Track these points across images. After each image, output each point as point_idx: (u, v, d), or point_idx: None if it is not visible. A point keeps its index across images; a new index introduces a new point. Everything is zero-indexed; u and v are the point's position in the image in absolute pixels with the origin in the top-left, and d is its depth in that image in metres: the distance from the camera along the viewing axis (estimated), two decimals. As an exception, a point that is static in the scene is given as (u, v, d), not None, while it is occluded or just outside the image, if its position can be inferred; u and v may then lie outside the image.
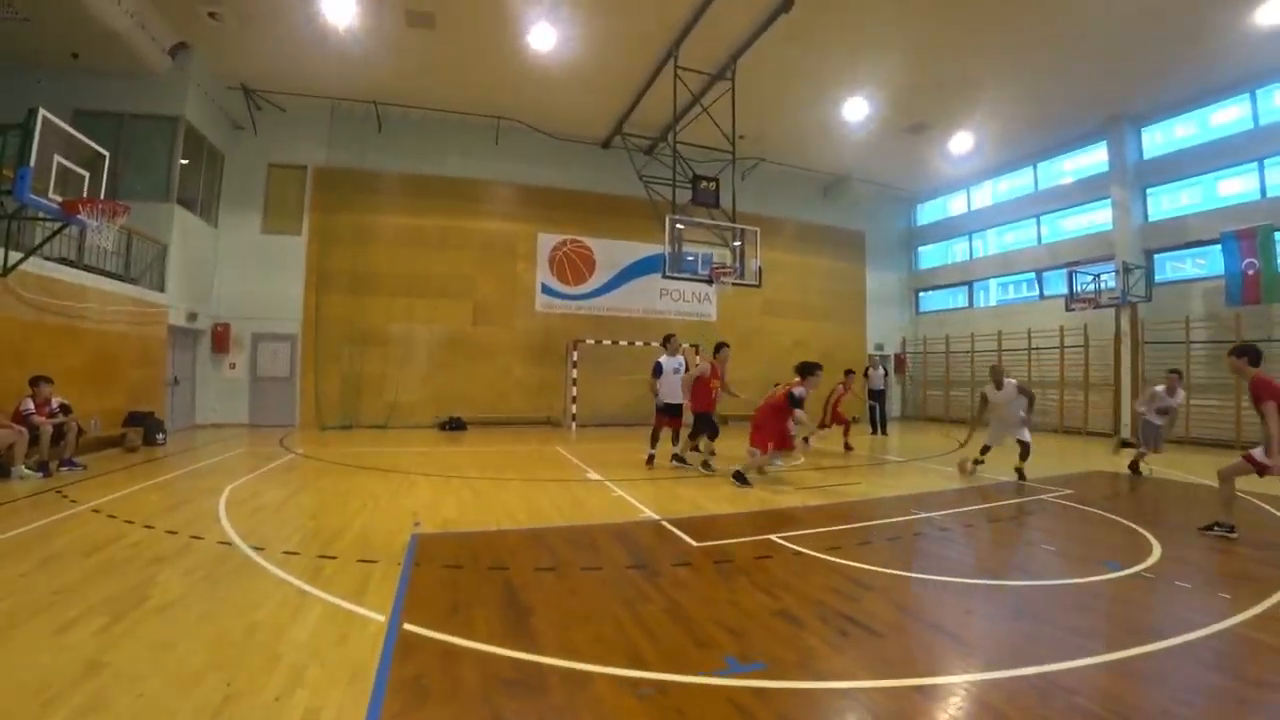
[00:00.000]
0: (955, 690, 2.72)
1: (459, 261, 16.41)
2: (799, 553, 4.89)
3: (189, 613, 3.42)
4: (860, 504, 7.09)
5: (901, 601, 3.93)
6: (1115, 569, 4.54)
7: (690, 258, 13.26)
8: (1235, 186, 14.56)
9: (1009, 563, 5.06)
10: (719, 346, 9.78)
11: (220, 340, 14.39)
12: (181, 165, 12.71)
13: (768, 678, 2.76)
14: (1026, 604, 3.91)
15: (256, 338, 14.84)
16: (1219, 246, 13.97)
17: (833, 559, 4.72)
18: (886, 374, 17.19)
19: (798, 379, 7.88)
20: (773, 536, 5.33)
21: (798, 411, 7.64)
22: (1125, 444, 10.36)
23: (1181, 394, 9.11)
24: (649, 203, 15.35)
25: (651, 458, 9.46)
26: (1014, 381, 8.87)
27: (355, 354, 15.31)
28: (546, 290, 17.26)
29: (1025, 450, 8.48)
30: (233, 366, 14.63)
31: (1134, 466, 9.24)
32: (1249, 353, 5.62)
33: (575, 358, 16.33)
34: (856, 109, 15.44)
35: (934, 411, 20.64)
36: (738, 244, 13.34)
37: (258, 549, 4.63)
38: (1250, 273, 13.47)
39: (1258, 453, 5.33)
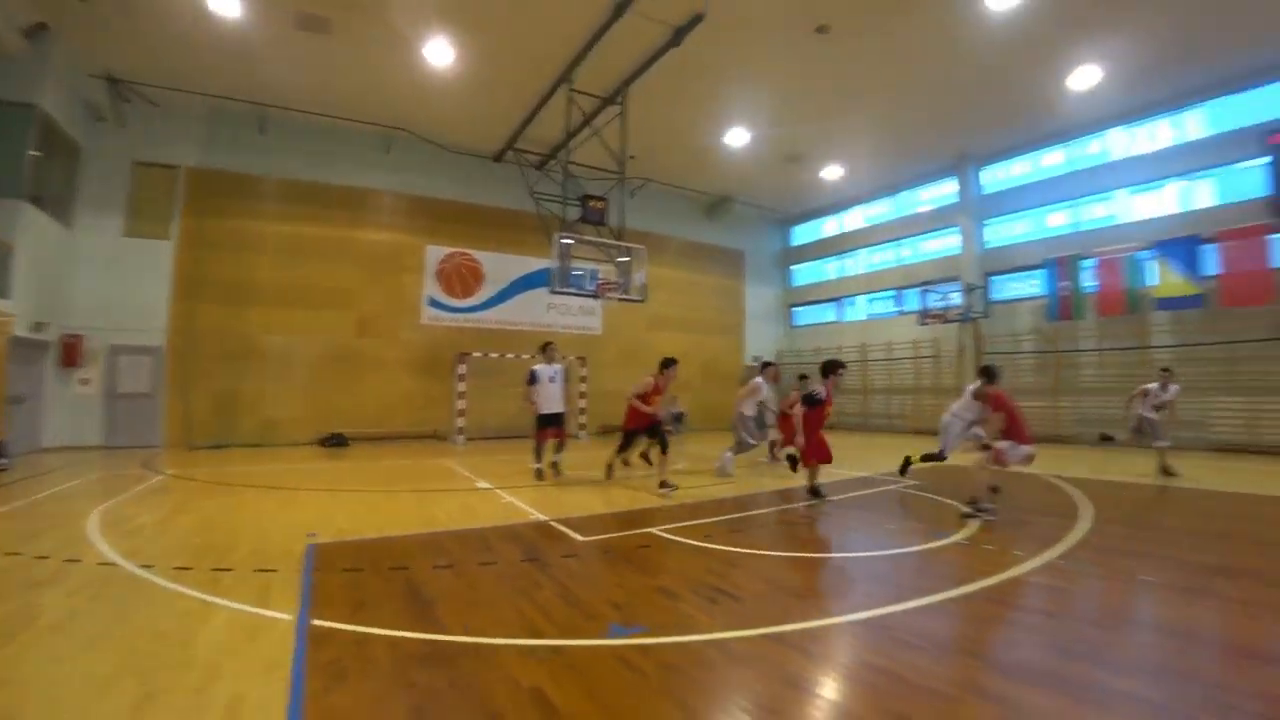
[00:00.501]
0: (800, 634, 3.34)
1: (343, 272, 16.00)
2: (677, 541, 5.46)
3: (87, 628, 3.41)
4: (734, 499, 7.77)
5: (765, 574, 4.59)
6: (942, 538, 5.48)
7: (578, 273, 13.54)
8: (1060, 219, 16.95)
9: (855, 539, 5.88)
10: (667, 362, 8.93)
11: (70, 353, 13.11)
12: (33, 159, 11.62)
13: (649, 638, 3.25)
14: (866, 569, 4.75)
15: (115, 350, 13.70)
16: (1043, 271, 16.23)
17: (706, 545, 5.33)
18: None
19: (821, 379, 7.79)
20: (653, 529, 5.87)
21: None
22: (1105, 438, 11.52)
23: (1175, 388, 9.86)
24: (539, 217, 15.69)
25: (540, 471, 9.26)
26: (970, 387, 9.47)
27: (229, 368, 14.57)
28: (434, 303, 17.12)
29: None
30: (84, 382, 13.37)
31: (1166, 470, 9.50)
32: (987, 373, 6.99)
33: (462, 371, 16.26)
34: (739, 137, 16.62)
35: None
36: (624, 259, 13.78)
37: (145, 567, 4.57)
38: (1065, 294, 15.71)
39: (1003, 444, 6.59)
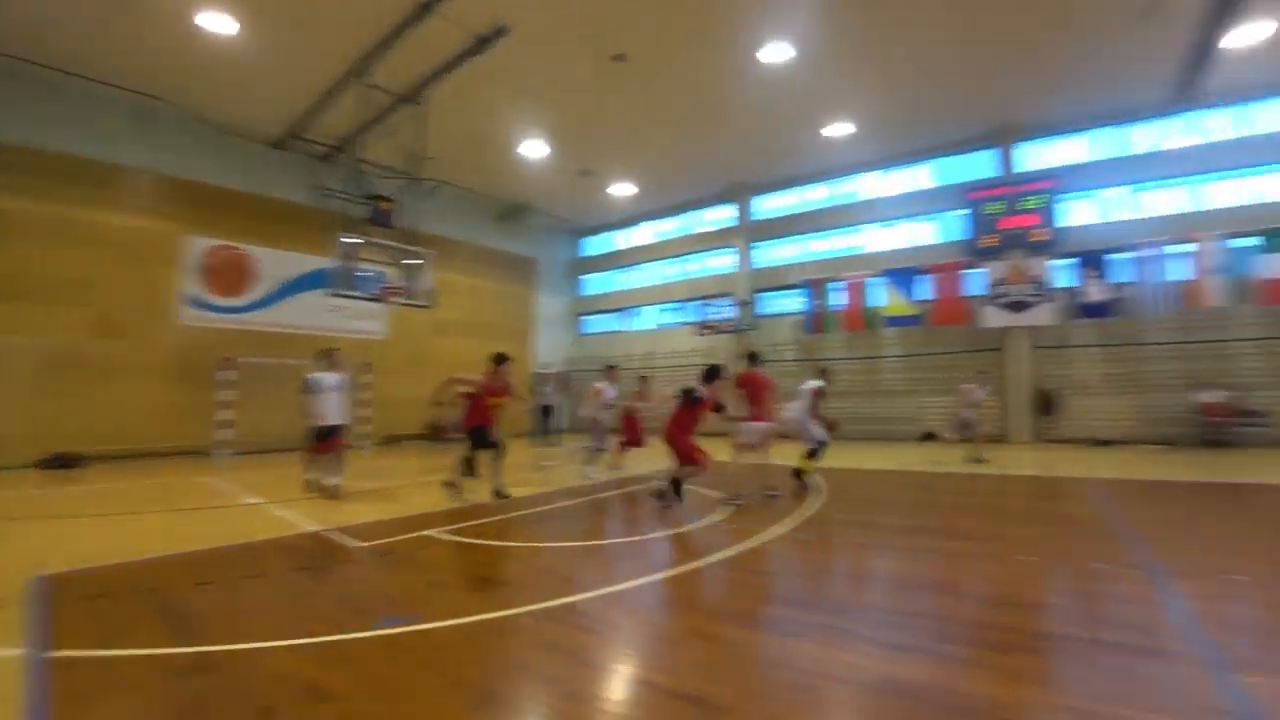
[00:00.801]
0: (561, 607, 3.82)
1: (78, 261, 13.56)
2: (455, 541, 5.76)
3: None
4: (520, 498, 8.11)
5: (535, 563, 5.12)
6: (694, 521, 6.43)
7: (363, 275, 12.90)
8: (818, 246, 19.65)
9: (623, 528, 6.53)
10: (500, 359, 8.17)
11: None
12: None
13: (421, 625, 3.55)
14: (626, 551, 5.48)
15: None
16: (801, 290, 18.72)
17: (483, 542, 5.73)
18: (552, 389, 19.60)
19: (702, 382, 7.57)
20: (431, 532, 6.09)
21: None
22: (929, 435, 12.90)
23: (984, 390, 12.14)
24: (322, 213, 14.65)
25: (316, 484, 8.53)
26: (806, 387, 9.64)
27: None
28: (196, 302, 15.32)
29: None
30: None
31: (978, 459, 11.45)
32: (708, 374, 7.85)
33: (230, 377, 14.71)
34: (536, 149, 17.11)
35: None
36: (413, 263, 13.42)
37: None
38: (818, 311, 18.30)
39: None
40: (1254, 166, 14.56)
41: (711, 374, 7.54)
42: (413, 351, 18.68)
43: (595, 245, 25.58)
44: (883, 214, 18.62)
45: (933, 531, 6.15)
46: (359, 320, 17.89)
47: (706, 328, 19.40)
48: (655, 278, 23.50)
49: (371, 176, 13.91)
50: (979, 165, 17.20)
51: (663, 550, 5.54)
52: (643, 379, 11.54)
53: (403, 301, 13.42)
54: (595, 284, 25.47)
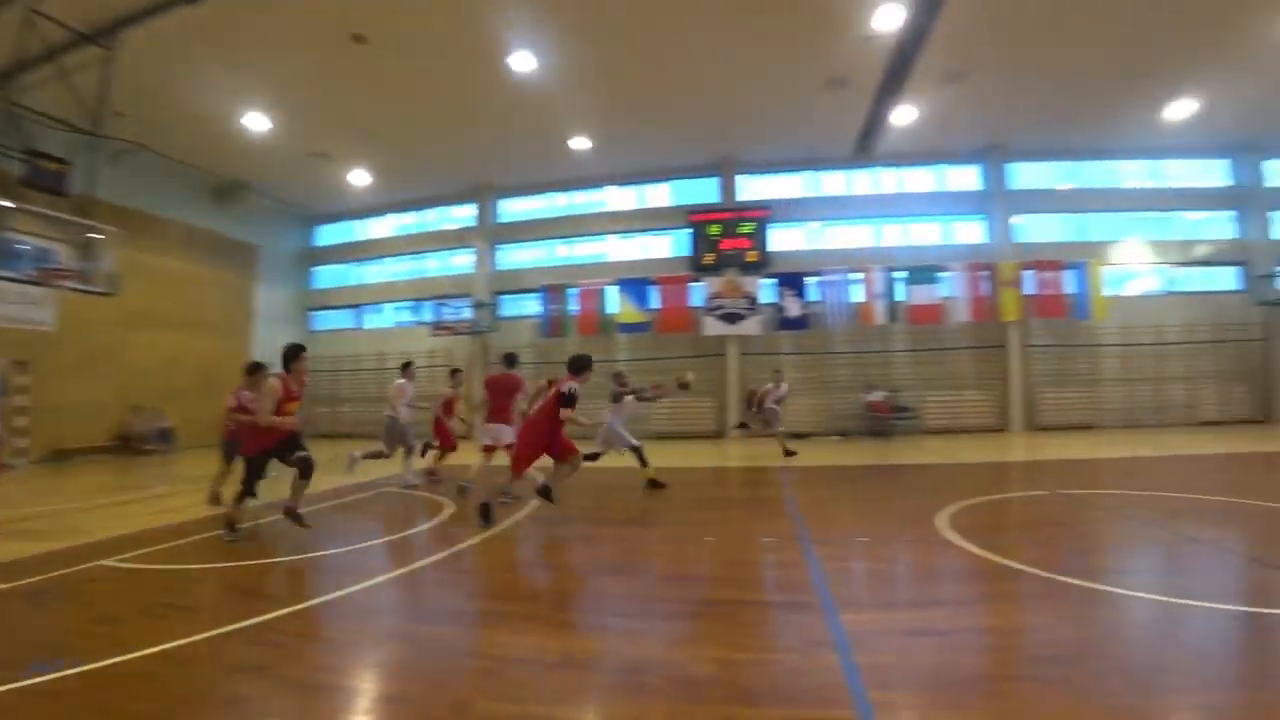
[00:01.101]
0: (247, 631, 3.63)
1: None
2: (135, 569, 5.12)
3: None
4: (205, 519, 7.15)
5: (231, 582, 4.79)
6: (424, 524, 6.50)
7: (20, 248, 10.54)
8: (560, 252, 20.52)
9: (337, 538, 6.24)
10: (293, 352, 6.14)
11: None
12: None
13: (84, 665, 3.14)
14: (337, 562, 5.20)
15: None
16: (540, 294, 19.26)
17: (168, 567, 5.18)
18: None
19: (568, 375, 6.71)
20: (105, 561, 5.33)
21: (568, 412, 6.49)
22: (742, 426, 13.50)
23: (785, 387, 13.00)
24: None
25: None
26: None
27: None
28: None
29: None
30: None
31: (787, 452, 12.15)
32: (578, 365, 7.69)
33: None
34: (259, 122, 15.37)
35: (323, 428, 20.89)
36: (92, 238, 11.37)
37: None
38: (555, 315, 19.02)
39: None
40: (908, 216, 18.96)
41: (580, 365, 6.70)
42: (91, 347, 15.41)
43: (331, 234, 23.58)
44: (621, 226, 20.00)
45: (638, 522, 6.84)
46: (18, 306, 14.10)
47: (442, 328, 19.05)
48: (394, 274, 22.43)
49: (34, 126, 11.29)
50: (708, 191, 19.32)
51: (378, 557, 5.53)
52: (455, 372, 10.89)
53: (74, 286, 11.19)
54: (330, 276, 23.45)
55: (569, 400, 6.36)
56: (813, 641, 3.35)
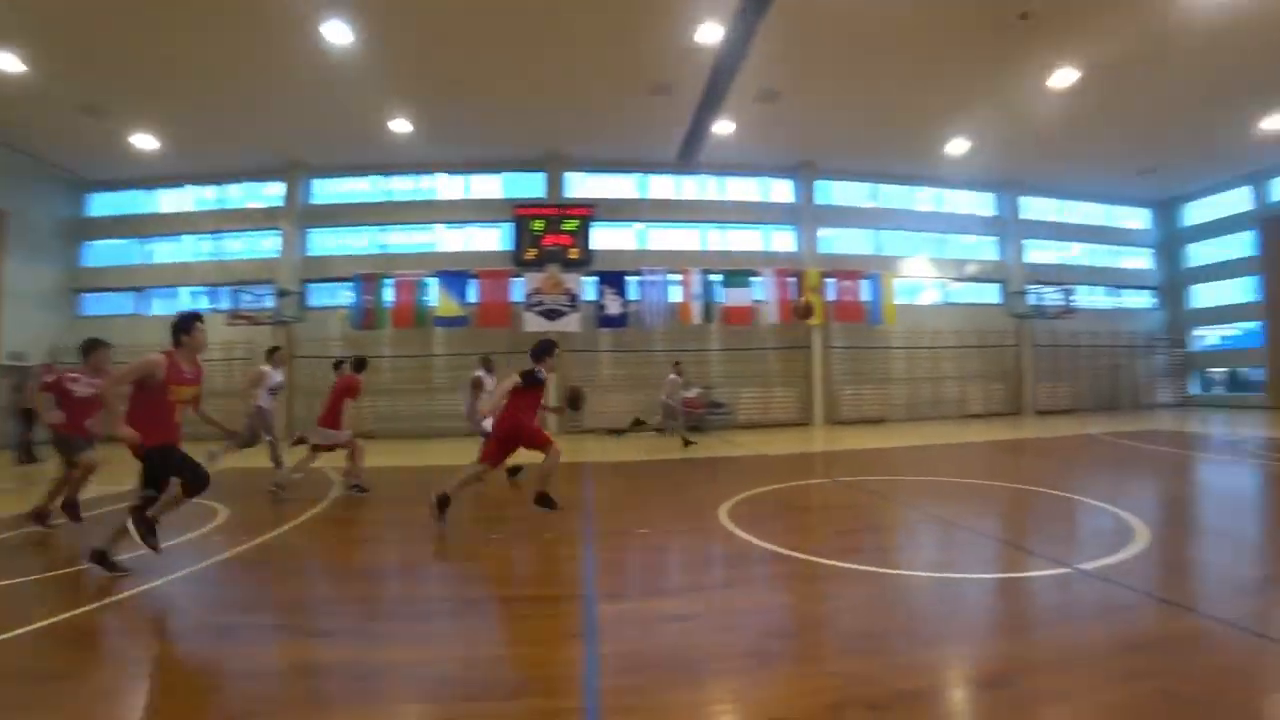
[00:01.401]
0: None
1: None
2: None
3: None
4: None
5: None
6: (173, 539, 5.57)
7: None
8: (377, 239, 19.37)
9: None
10: (185, 325, 5.20)
11: None
12: None
13: None
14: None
15: None
16: (353, 284, 18.09)
17: None
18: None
19: (533, 362, 6.39)
20: None
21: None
22: (638, 422, 13.65)
23: (682, 380, 13.38)
24: None
25: None
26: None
27: None
28: None
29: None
30: None
31: (686, 443, 12.65)
32: (353, 364, 7.94)
33: None
34: (10, 62, 13.06)
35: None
36: None
37: None
38: (369, 306, 17.88)
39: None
40: (726, 224, 19.98)
41: (544, 350, 6.46)
42: None
43: (109, 204, 20.48)
44: (444, 216, 19.35)
45: (426, 523, 5.97)
46: None
47: (240, 317, 17.15)
48: (189, 254, 20.04)
49: None
50: (534, 185, 19.10)
51: (114, 576, 4.43)
52: (274, 351, 9.83)
53: None
54: (106, 253, 20.36)
55: (534, 380, 6.23)
56: (564, 634, 3.35)
